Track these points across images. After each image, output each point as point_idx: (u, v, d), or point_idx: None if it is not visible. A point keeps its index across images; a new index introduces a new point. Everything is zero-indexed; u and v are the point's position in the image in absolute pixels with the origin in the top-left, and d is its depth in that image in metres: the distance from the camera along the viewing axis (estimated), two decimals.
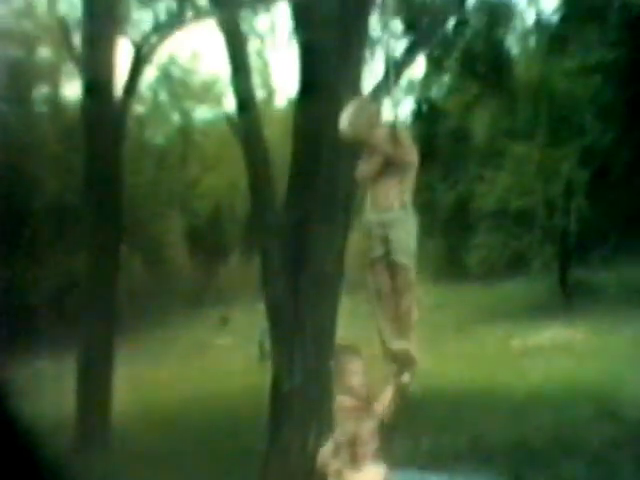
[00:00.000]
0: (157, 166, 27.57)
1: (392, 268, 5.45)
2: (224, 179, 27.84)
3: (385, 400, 5.27)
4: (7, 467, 3.30)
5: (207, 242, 29.02)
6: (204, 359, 20.60)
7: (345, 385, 5.25)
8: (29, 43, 23.56)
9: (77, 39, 17.56)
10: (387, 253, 5.43)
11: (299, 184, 10.66)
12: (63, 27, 18.13)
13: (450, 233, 28.41)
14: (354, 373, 5.27)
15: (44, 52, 24.15)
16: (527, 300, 23.43)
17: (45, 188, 23.23)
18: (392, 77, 7.02)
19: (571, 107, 22.94)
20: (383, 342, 5.45)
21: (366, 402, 5.24)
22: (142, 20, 16.74)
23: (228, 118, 13.14)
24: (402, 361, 5.38)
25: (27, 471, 3.44)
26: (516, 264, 25.15)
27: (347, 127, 5.51)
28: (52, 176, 23.47)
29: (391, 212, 5.43)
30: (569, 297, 22.74)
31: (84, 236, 15.81)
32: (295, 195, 10.70)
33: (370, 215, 5.50)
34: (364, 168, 5.52)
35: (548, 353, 17.62)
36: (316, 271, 10.37)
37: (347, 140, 5.56)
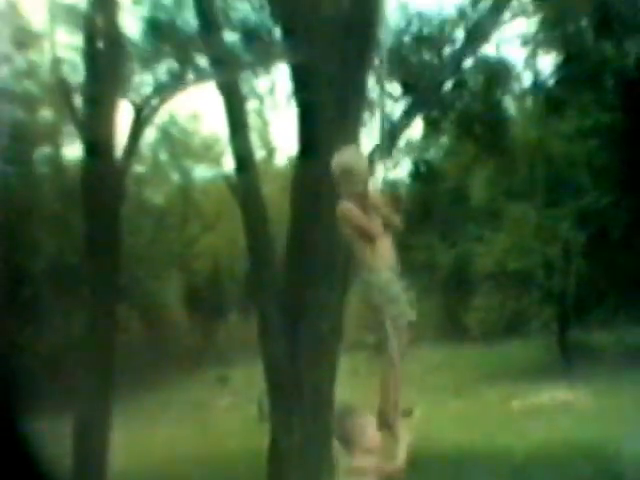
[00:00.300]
0: (156, 225, 27.62)
1: (405, 328, 5.54)
2: (223, 238, 27.90)
3: (402, 457, 5.25)
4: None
5: (206, 301, 28.97)
6: (202, 419, 20.43)
7: (361, 445, 5.18)
8: (31, 104, 23.76)
9: (78, 100, 17.77)
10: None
11: (298, 244, 10.73)
12: (65, 88, 18.31)
13: (449, 293, 28.42)
14: (370, 432, 5.22)
15: (45, 113, 24.34)
16: (527, 361, 23.34)
17: (44, 248, 23.24)
18: (387, 140, 7.12)
19: (568, 169, 23.09)
20: (396, 404, 5.48)
21: (379, 460, 5.19)
22: (143, 82, 16.91)
23: (227, 178, 13.24)
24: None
25: None
26: (515, 324, 25.10)
27: (345, 161, 5.57)
28: (51, 236, 23.50)
29: (400, 273, 5.52)
30: (569, 358, 22.65)
31: (82, 296, 15.79)
32: (294, 254, 10.76)
33: (389, 274, 5.53)
34: (375, 225, 5.54)
35: (548, 414, 17.49)
36: (315, 331, 10.37)
37: (344, 175, 5.57)
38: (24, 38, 22.79)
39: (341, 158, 5.62)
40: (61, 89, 18.51)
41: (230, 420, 20.25)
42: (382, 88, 7.74)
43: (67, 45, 19.19)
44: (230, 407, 21.95)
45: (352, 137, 10.49)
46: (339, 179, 5.56)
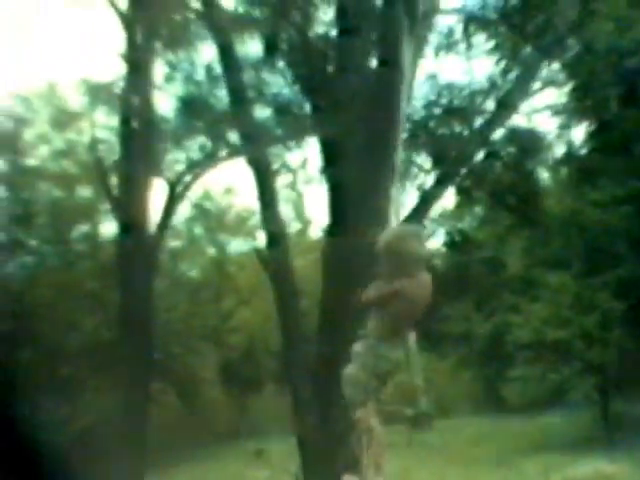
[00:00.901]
0: (192, 300, 27.73)
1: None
2: (258, 311, 27.87)
3: None
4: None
5: (241, 375, 28.87)
6: None
7: None
8: (68, 183, 24.18)
9: (114, 179, 18.11)
10: None
11: (329, 318, 10.68)
12: (101, 167, 18.69)
13: (486, 364, 28.11)
14: None
15: (83, 191, 24.74)
16: (567, 433, 22.92)
17: (80, 325, 23.37)
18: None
19: (605, 237, 22.88)
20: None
21: None
22: (177, 159, 17.17)
23: (258, 252, 13.28)
24: None
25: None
26: (555, 396, 24.70)
27: (391, 241, 5.22)
28: (88, 313, 23.66)
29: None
30: (610, 430, 22.20)
31: (118, 372, 15.86)
32: (326, 329, 10.72)
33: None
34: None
35: None
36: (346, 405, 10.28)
37: (392, 257, 5.21)
38: (62, 119, 23.35)
39: (388, 238, 5.24)
40: (97, 168, 18.92)
41: None
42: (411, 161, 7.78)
43: (104, 125, 19.71)
44: (266, 479, 21.75)
45: (382, 210, 10.51)
46: (384, 259, 5.17)
